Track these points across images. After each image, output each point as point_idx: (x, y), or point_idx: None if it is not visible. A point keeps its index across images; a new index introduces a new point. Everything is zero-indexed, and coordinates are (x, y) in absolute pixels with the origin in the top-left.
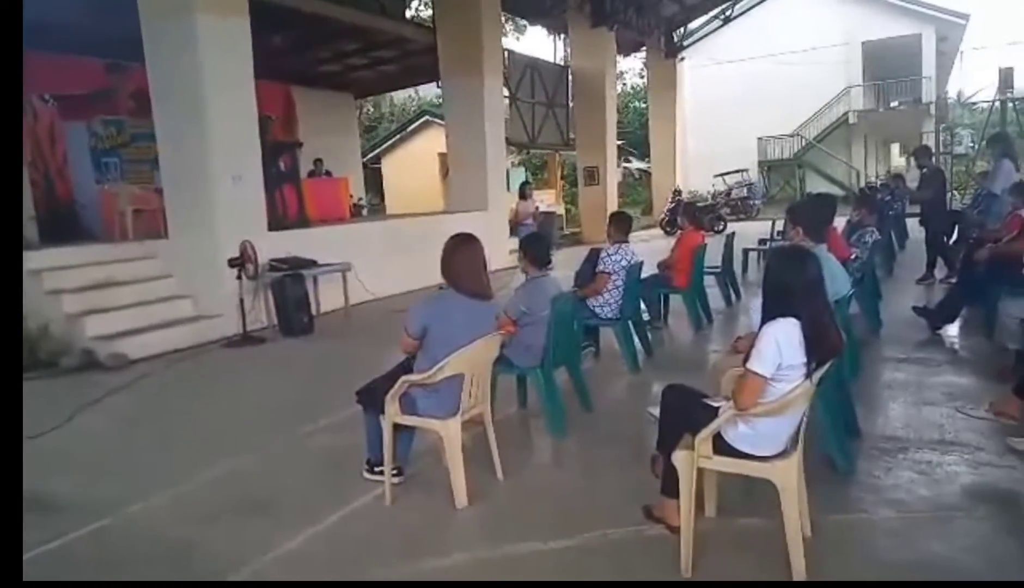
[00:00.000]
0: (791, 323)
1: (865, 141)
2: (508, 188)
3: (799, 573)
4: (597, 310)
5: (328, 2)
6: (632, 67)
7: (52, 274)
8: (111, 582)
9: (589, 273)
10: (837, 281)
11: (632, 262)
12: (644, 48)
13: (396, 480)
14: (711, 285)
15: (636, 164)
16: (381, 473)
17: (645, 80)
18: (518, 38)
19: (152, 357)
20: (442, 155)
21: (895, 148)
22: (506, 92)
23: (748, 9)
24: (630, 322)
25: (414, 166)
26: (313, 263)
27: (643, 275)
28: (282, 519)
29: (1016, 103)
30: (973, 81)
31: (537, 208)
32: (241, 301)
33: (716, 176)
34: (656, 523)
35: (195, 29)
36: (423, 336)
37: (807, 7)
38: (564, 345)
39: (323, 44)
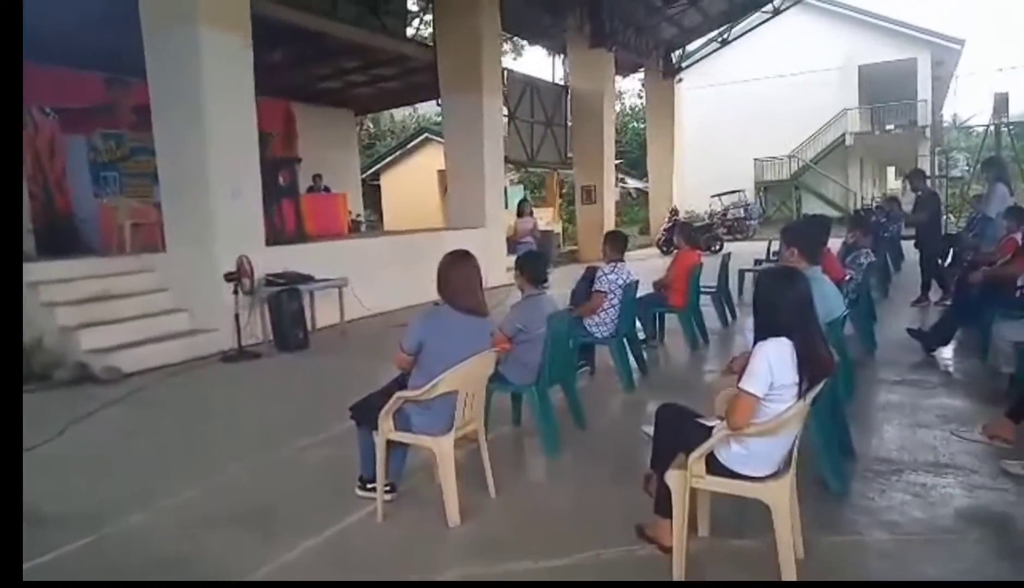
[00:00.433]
0: (783, 343)
1: (861, 163)
2: (507, 206)
3: None
4: (593, 329)
5: (329, 20)
6: (631, 88)
7: (48, 287)
8: (111, 582)
9: (585, 292)
10: (831, 302)
11: (628, 281)
12: (643, 69)
13: (389, 497)
14: (707, 305)
15: (634, 183)
16: (374, 490)
17: (643, 101)
18: (515, 58)
19: (147, 371)
20: (441, 172)
21: (891, 171)
22: (505, 111)
23: (746, 32)
24: (625, 340)
25: (413, 183)
26: (310, 278)
27: (639, 294)
28: (274, 534)
29: (1011, 128)
30: (968, 105)
31: (536, 225)
32: (237, 316)
33: (713, 196)
34: (649, 543)
35: (197, 41)
36: (418, 352)
37: (805, 31)
38: (559, 363)
39: (324, 61)
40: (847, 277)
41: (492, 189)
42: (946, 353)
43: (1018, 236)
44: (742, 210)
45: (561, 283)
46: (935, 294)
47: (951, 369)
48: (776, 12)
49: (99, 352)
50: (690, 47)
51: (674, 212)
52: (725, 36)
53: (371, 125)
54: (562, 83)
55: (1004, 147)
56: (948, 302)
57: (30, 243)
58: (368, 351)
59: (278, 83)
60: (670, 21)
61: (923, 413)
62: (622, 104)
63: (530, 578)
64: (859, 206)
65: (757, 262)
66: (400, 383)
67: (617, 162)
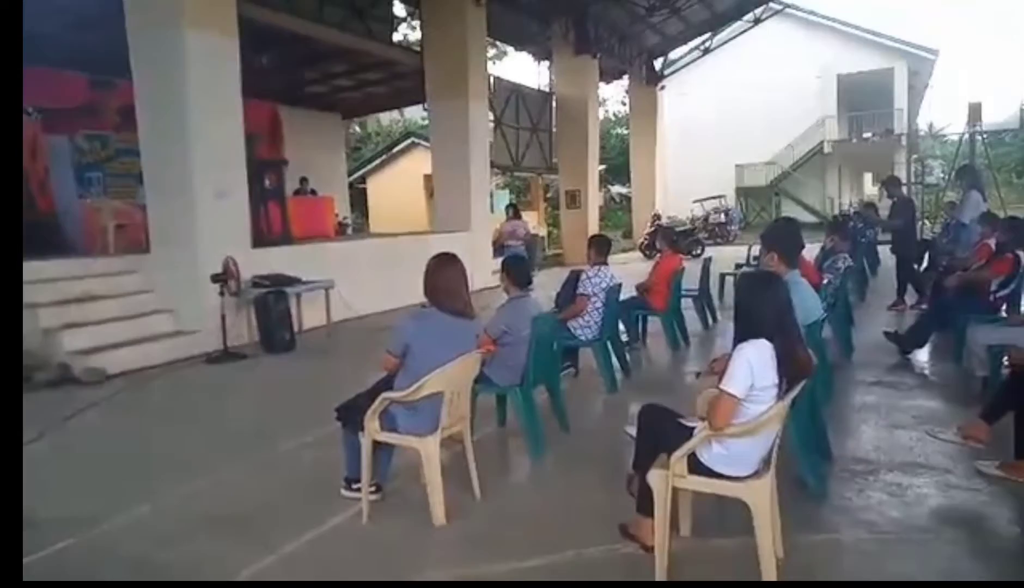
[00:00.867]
0: (763, 344)
1: (839, 170)
2: (492, 210)
3: None
4: (577, 331)
5: (316, 24)
6: (614, 94)
7: (29, 287)
8: (111, 582)
9: (570, 295)
10: (809, 305)
11: (611, 284)
12: (626, 76)
13: (374, 497)
14: (688, 308)
15: (617, 189)
16: (359, 490)
17: (627, 107)
18: (495, 63)
19: (130, 372)
20: (427, 176)
21: (868, 177)
22: (491, 116)
23: (728, 41)
24: (608, 342)
25: (399, 187)
26: (296, 280)
27: (622, 297)
28: (259, 536)
29: (984, 136)
30: (942, 114)
31: (528, 231)
32: (223, 317)
33: (695, 202)
34: (632, 541)
35: (183, 44)
36: (405, 354)
37: (785, 40)
38: (544, 365)
39: (311, 65)
40: (825, 281)
41: (478, 193)
42: (922, 356)
43: (992, 242)
44: (723, 215)
45: (546, 286)
46: (911, 298)
47: (927, 371)
48: (757, 21)
49: (82, 353)
50: (673, 55)
51: (657, 217)
52: (707, 44)
53: (358, 129)
54: (547, 89)
55: (978, 155)
56: (924, 306)
57: None
58: (354, 353)
59: (265, 86)
60: (653, 29)
61: (899, 414)
62: (605, 110)
63: (515, 577)
64: (837, 212)
65: (738, 266)
66: (386, 384)
67: (601, 168)
